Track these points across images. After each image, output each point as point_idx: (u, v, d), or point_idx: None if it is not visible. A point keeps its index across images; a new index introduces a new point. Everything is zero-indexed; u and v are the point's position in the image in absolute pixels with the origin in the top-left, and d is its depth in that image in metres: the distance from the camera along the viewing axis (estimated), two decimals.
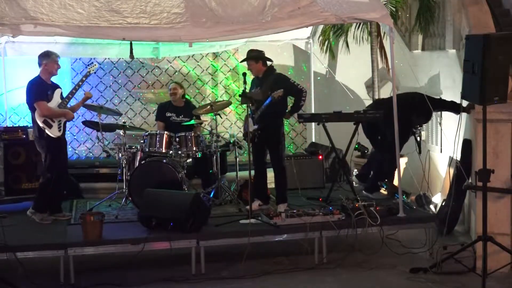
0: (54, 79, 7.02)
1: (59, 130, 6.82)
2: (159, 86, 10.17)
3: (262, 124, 7.01)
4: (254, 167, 7.12)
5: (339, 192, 7.72)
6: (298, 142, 10.60)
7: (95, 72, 8.23)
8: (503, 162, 6.18)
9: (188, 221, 6.28)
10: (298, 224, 6.45)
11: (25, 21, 6.13)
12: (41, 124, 6.72)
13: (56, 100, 6.85)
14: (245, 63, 7.42)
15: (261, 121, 7.02)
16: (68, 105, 6.98)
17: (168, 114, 8.28)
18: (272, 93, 6.84)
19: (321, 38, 9.67)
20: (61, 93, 6.97)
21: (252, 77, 7.45)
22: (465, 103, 6.44)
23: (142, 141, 7.60)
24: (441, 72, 8.57)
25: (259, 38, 8.26)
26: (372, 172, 8.02)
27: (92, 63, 7.31)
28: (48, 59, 6.83)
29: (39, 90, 6.80)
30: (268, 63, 7.26)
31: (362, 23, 9.11)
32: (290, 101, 7.38)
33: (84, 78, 7.15)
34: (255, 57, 7.21)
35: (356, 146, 8.24)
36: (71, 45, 8.46)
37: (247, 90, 7.23)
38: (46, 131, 6.73)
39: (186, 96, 8.63)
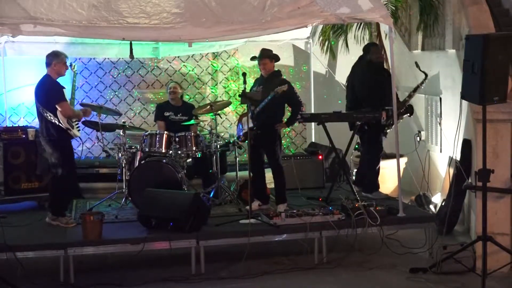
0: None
1: (78, 131, 6.85)
2: (159, 86, 10.16)
3: (258, 122, 7.01)
4: (252, 167, 7.13)
5: (339, 192, 7.72)
6: (298, 142, 10.59)
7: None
8: (503, 162, 6.17)
9: (188, 221, 6.28)
10: (298, 224, 6.45)
11: (25, 21, 6.13)
12: (65, 125, 6.66)
13: None
14: (249, 61, 7.44)
15: (258, 119, 7.02)
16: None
17: (167, 114, 8.27)
18: (276, 88, 6.86)
19: (321, 38, 9.67)
20: None
21: (252, 77, 7.45)
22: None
23: (142, 142, 7.61)
24: (441, 72, 8.57)
25: (259, 38, 8.26)
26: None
27: (71, 64, 7.28)
28: (57, 59, 6.75)
29: (59, 91, 6.74)
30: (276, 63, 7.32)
31: (363, 23, 9.11)
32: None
33: (74, 79, 7.20)
34: (271, 56, 7.24)
35: (356, 146, 8.24)
36: (70, 45, 8.45)
37: (249, 88, 7.25)
38: (69, 131, 6.70)
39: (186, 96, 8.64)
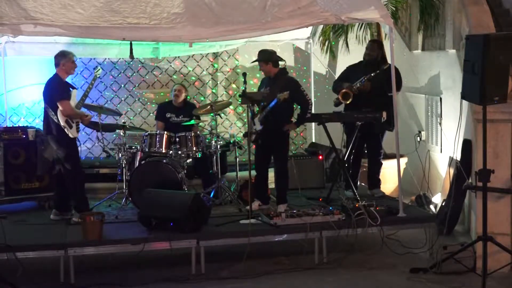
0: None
1: (77, 131, 6.87)
2: (159, 86, 10.17)
3: (265, 125, 7.00)
4: (256, 167, 7.12)
5: (339, 192, 7.72)
6: (298, 142, 10.59)
7: (100, 77, 8.52)
8: (503, 162, 6.18)
9: (188, 221, 6.28)
10: (298, 224, 6.45)
11: (25, 21, 6.13)
12: (63, 124, 6.69)
13: (73, 100, 6.86)
14: (249, 61, 7.42)
15: (265, 123, 7.01)
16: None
17: (168, 115, 8.28)
18: (278, 95, 6.84)
19: (321, 38, 9.67)
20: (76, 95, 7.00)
21: (253, 78, 7.43)
22: None
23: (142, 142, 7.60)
24: (441, 72, 8.57)
25: (259, 38, 8.26)
26: (369, 170, 8.07)
27: (97, 67, 7.37)
28: (65, 58, 6.81)
29: (62, 89, 6.79)
30: (281, 63, 7.25)
31: (363, 24, 9.11)
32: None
33: (93, 82, 7.23)
34: (264, 59, 7.16)
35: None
36: (71, 45, 8.44)
37: (256, 90, 7.20)
38: (66, 130, 6.72)
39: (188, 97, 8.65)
